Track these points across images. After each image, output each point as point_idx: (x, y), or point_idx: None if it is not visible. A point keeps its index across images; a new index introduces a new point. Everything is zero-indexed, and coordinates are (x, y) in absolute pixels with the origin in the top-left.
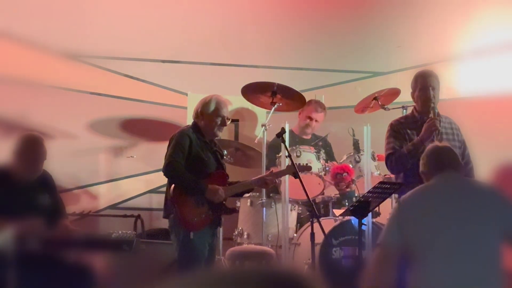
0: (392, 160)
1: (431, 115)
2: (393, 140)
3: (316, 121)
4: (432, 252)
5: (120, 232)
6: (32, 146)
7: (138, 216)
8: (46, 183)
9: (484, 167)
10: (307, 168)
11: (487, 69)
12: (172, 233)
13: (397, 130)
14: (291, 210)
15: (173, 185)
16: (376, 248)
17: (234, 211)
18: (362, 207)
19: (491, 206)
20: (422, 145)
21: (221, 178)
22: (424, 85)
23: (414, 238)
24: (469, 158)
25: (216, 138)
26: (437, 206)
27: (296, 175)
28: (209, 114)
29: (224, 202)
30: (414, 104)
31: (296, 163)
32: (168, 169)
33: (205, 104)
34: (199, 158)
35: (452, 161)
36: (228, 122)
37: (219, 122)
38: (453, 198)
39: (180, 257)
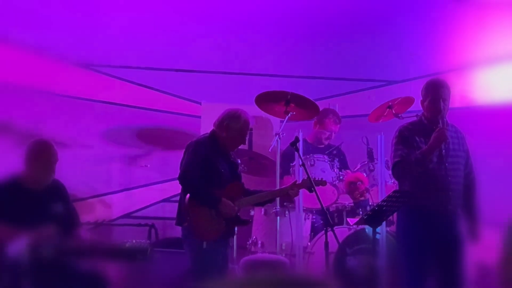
0: (399, 168)
1: (441, 124)
2: (401, 147)
3: (334, 133)
4: None
5: (134, 241)
6: (42, 151)
7: (152, 225)
8: (58, 193)
9: (496, 176)
10: (322, 183)
11: (502, 77)
12: (185, 242)
13: (406, 137)
14: (305, 219)
15: (188, 194)
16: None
17: (248, 222)
18: (376, 216)
19: None
20: (430, 154)
21: (236, 190)
22: (435, 96)
23: None
24: (471, 168)
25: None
26: None
27: (310, 190)
28: (234, 130)
29: (238, 213)
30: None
31: (311, 178)
32: (183, 179)
33: (233, 118)
34: (215, 170)
35: None
36: None
37: (240, 140)
38: None
39: (193, 267)
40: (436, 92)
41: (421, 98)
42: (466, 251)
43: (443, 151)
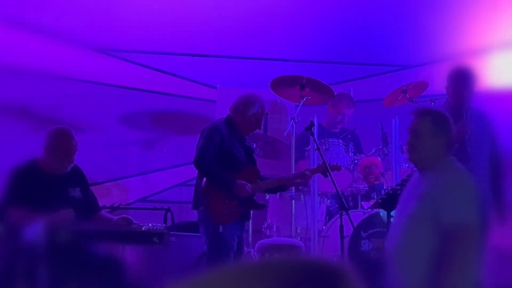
0: None
1: (464, 116)
2: None
3: (347, 117)
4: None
5: (150, 225)
6: (62, 141)
7: (168, 209)
8: (76, 177)
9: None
10: (337, 168)
11: None
12: (201, 225)
13: None
14: (320, 202)
15: (205, 178)
16: (459, 230)
17: (264, 206)
18: (391, 200)
19: None
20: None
21: (252, 174)
22: (456, 85)
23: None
24: (497, 152)
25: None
26: None
27: (325, 175)
28: (249, 115)
29: (253, 197)
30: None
31: (327, 163)
32: (198, 161)
33: (249, 103)
34: (230, 154)
35: None
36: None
37: (255, 125)
38: None
39: (209, 250)
40: (457, 81)
41: (446, 84)
42: (491, 235)
43: (466, 136)
